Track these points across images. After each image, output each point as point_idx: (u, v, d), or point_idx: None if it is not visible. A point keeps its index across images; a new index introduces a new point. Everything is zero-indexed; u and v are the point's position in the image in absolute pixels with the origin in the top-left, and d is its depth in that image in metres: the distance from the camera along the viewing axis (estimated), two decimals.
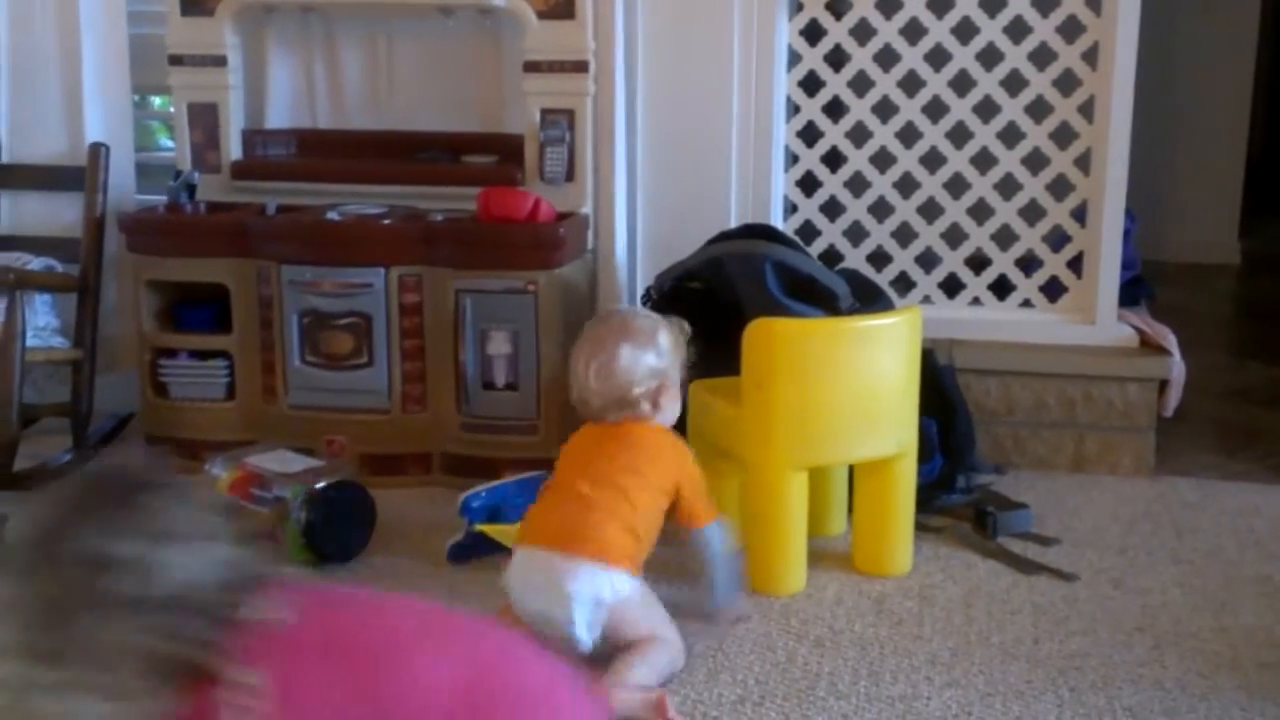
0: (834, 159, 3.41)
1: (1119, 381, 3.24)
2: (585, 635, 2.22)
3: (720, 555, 2.40)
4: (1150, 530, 2.91)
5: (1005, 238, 3.36)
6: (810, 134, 3.41)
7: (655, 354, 2.37)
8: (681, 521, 2.38)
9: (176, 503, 1.38)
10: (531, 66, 3.24)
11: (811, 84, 3.39)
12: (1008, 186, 3.33)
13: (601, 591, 2.22)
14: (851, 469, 2.73)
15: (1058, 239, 3.35)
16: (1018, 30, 3.25)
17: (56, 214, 3.53)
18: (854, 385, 2.56)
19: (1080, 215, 3.30)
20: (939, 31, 3.27)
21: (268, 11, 3.44)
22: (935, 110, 3.31)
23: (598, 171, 3.33)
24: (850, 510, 2.76)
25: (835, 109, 3.39)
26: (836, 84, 3.37)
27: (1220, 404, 3.83)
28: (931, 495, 2.97)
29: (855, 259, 3.40)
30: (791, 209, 3.45)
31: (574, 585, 2.22)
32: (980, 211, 3.36)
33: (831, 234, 3.42)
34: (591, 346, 2.39)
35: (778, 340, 2.53)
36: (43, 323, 3.38)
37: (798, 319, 2.69)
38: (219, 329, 3.25)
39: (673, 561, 2.45)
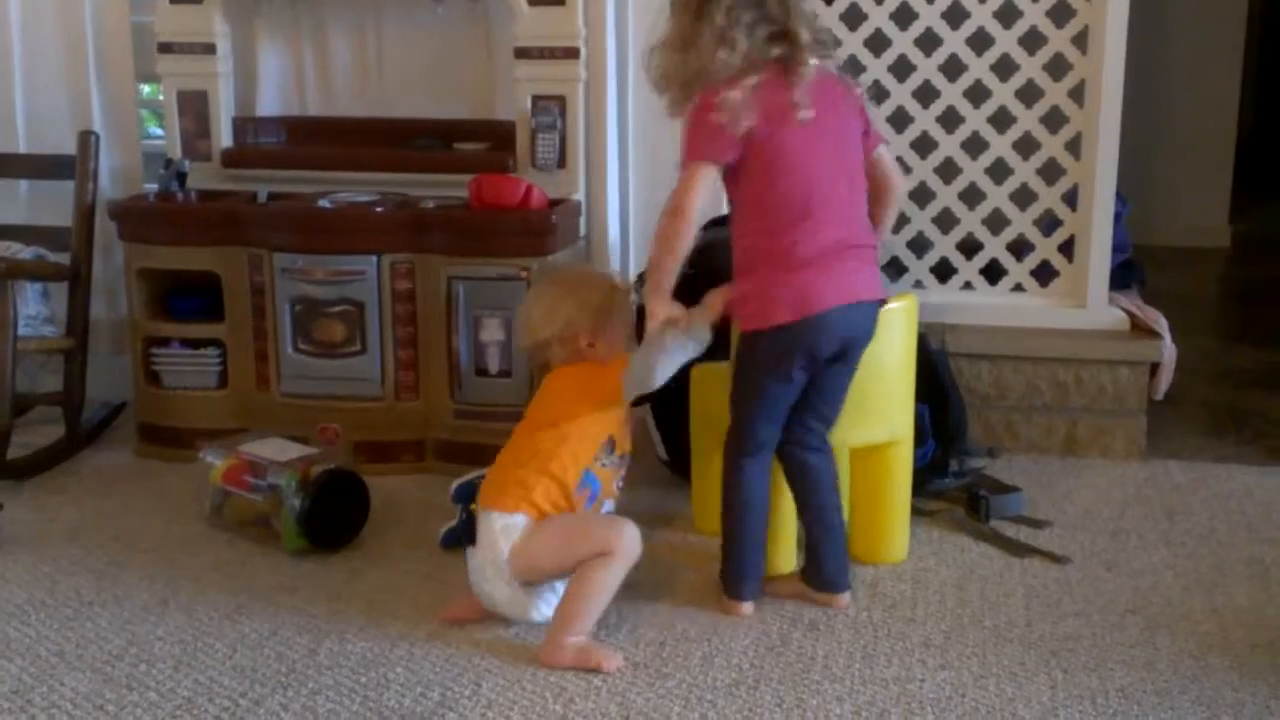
0: None
1: (1110, 365, 3.25)
2: (490, 587, 2.33)
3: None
4: (1141, 513, 2.93)
5: (996, 222, 3.36)
6: None
7: (576, 304, 2.41)
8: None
9: None
10: (522, 53, 3.23)
11: None
12: (998, 171, 3.34)
13: (497, 538, 2.31)
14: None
15: (1049, 223, 3.36)
16: (1008, 14, 3.25)
17: (49, 202, 3.52)
18: None
19: (1071, 199, 3.31)
20: (929, 16, 3.27)
21: None
22: (926, 95, 3.31)
23: (590, 158, 3.33)
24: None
25: None
26: None
27: (1211, 387, 3.84)
28: (924, 479, 2.98)
29: None
30: None
31: (480, 536, 2.34)
32: (971, 196, 3.36)
33: None
34: (527, 295, 2.55)
35: None
36: (34, 311, 3.37)
37: None
38: (211, 317, 3.25)
39: None
